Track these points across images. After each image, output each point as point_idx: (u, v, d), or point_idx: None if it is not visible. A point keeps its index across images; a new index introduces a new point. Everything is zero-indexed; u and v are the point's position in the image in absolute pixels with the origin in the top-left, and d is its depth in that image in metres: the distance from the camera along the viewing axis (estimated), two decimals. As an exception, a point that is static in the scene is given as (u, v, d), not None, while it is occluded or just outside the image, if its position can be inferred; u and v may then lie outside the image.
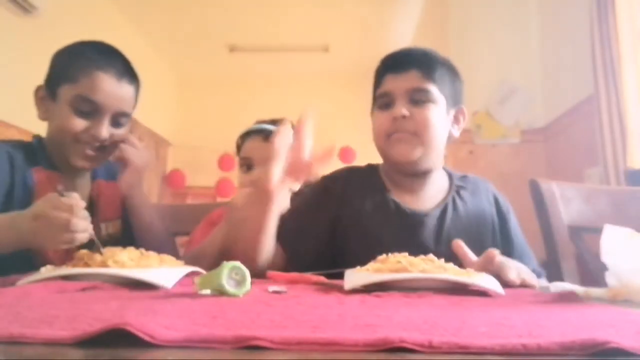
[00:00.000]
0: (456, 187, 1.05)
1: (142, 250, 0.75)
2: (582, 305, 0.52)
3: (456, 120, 1.05)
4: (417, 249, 0.75)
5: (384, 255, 0.73)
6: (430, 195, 1.04)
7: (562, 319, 0.43)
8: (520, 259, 0.92)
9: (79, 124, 1.00)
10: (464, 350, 0.30)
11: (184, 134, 5.76)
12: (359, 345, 0.31)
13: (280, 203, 0.82)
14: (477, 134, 3.02)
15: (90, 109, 1.00)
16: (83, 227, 0.76)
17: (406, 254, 0.71)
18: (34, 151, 1.06)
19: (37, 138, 1.09)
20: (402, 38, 4.87)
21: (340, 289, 0.64)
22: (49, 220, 0.74)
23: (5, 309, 0.43)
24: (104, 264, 0.68)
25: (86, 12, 3.94)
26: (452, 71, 1.04)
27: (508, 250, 0.97)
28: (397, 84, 0.98)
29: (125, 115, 1.07)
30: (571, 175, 2.58)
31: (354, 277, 0.67)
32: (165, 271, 0.68)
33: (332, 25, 4.74)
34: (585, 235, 1.15)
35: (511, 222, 1.05)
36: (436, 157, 1.01)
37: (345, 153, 5.42)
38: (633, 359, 0.30)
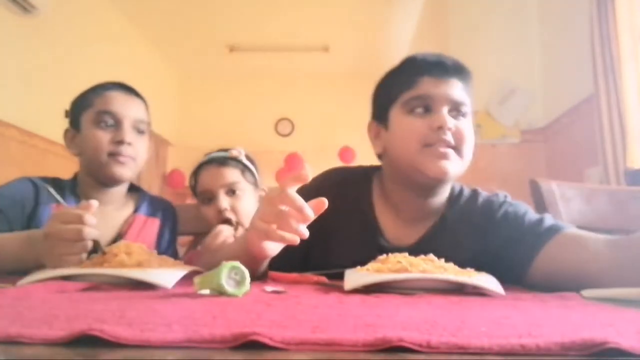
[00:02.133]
0: (442, 217, 0.96)
1: (154, 252, 0.76)
2: (582, 305, 0.52)
3: None
4: None
5: (384, 255, 0.73)
6: (422, 225, 0.95)
7: (561, 319, 0.43)
8: (536, 228, 0.86)
9: (106, 136, 1.09)
10: (463, 350, 0.30)
11: (184, 134, 5.77)
12: (358, 345, 0.31)
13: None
14: (477, 134, 3.01)
15: (111, 120, 1.10)
16: (95, 234, 0.76)
17: (406, 254, 0.71)
18: (62, 186, 1.12)
19: (73, 176, 1.18)
20: (402, 38, 4.88)
21: (340, 289, 0.64)
22: (60, 235, 0.74)
23: (5, 309, 0.43)
24: (106, 261, 0.68)
25: (86, 12, 3.94)
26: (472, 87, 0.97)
27: (522, 238, 0.87)
28: (438, 89, 0.88)
29: (143, 122, 1.14)
30: (571, 175, 2.58)
31: (354, 277, 0.67)
32: (165, 271, 0.68)
33: (332, 25, 4.74)
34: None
35: (509, 219, 0.93)
36: (461, 174, 0.93)
37: (345, 153, 5.42)
38: (632, 359, 0.30)
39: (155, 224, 1.20)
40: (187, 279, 0.67)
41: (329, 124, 5.80)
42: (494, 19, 3.17)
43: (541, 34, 3.11)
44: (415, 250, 0.79)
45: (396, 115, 0.92)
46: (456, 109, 0.89)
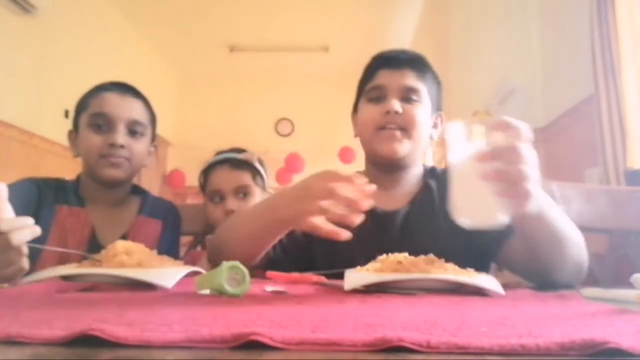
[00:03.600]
0: (425, 183, 1.06)
1: (154, 252, 0.76)
2: (582, 305, 0.52)
3: (434, 125, 1.08)
4: (382, 247, 0.76)
5: (384, 255, 0.73)
6: (403, 193, 1.05)
7: (561, 319, 0.43)
8: None
9: (98, 139, 1.08)
10: (463, 350, 0.30)
11: (184, 134, 5.77)
12: (358, 345, 0.31)
13: None
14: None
15: (103, 122, 1.09)
16: (26, 237, 0.66)
17: (406, 254, 0.71)
18: (65, 189, 1.12)
19: (76, 178, 1.17)
20: (402, 38, 4.88)
21: (340, 289, 0.64)
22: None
23: (5, 309, 0.43)
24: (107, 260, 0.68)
25: (86, 12, 3.95)
26: (437, 77, 1.08)
27: None
28: (391, 79, 1.00)
29: (139, 123, 1.12)
30: (571, 176, 2.58)
31: (354, 277, 0.67)
32: (165, 271, 0.68)
33: (332, 25, 4.75)
34: (585, 235, 1.15)
35: None
36: (418, 154, 1.04)
37: (344, 153, 5.43)
38: (632, 359, 0.30)
39: (157, 225, 1.19)
40: (187, 279, 0.67)
41: (329, 124, 5.80)
42: (493, 19, 3.17)
43: (541, 34, 3.11)
44: (404, 214, 0.99)
45: (361, 103, 1.06)
46: (407, 96, 0.99)
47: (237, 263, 0.57)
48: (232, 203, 1.26)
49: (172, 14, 4.52)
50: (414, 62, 1.02)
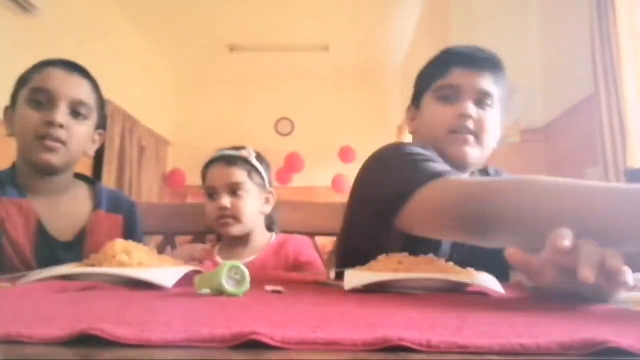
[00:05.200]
0: None
1: (154, 251, 0.76)
2: (582, 305, 0.52)
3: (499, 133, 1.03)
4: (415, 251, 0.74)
5: (383, 255, 0.73)
6: None
7: (561, 319, 0.43)
8: None
9: (35, 115, 0.99)
10: (463, 349, 0.30)
11: (184, 133, 5.77)
12: (358, 345, 0.31)
13: None
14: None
15: (44, 99, 1.00)
16: None
17: (406, 253, 0.71)
18: (1, 181, 1.03)
19: (11, 165, 1.07)
20: (402, 38, 4.88)
21: (340, 289, 0.64)
22: None
23: (6, 308, 0.43)
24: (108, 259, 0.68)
25: (86, 12, 3.95)
26: (508, 83, 1.02)
27: None
28: (467, 80, 0.95)
29: (83, 104, 1.04)
30: (571, 175, 2.56)
31: (354, 277, 0.67)
32: (165, 271, 0.68)
33: (332, 25, 4.74)
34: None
35: None
36: (483, 161, 1.01)
37: (345, 152, 5.42)
38: (632, 358, 0.30)
39: (117, 220, 1.13)
40: (187, 279, 0.67)
41: (329, 123, 5.80)
42: (493, 19, 3.17)
43: (541, 33, 3.11)
44: None
45: (428, 100, 1.00)
46: (481, 99, 0.95)
47: (237, 263, 0.57)
48: (224, 199, 1.27)
49: (172, 13, 4.52)
50: (491, 64, 0.97)
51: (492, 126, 0.95)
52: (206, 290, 0.57)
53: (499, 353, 0.30)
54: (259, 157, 1.36)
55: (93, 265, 0.69)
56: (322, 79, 5.83)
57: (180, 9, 4.42)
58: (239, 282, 0.56)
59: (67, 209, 1.09)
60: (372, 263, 0.72)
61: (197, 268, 0.77)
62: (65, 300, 0.49)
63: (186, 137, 5.70)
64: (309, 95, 5.96)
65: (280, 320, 0.39)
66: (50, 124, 0.98)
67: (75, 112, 1.03)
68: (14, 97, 1.05)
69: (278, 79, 5.86)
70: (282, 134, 6.03)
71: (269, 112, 6.01)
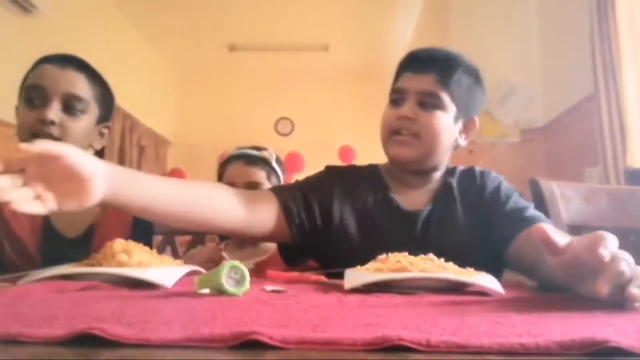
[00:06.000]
0: (445, 181, 1.05)
1: (154, 251, 0.75)
2: (582, 305, 0.52)
3: (465, 129, 1.04)
4: (406, 245, 0.76)
5: (383, 255, 0.73)
6: (426, 192, 1.05)
7: (561, 319, 0.43)
8: (520, 213, 0.94)
9: (31, 114, 0.99)
10: (463, 349, 0.30)
11: (184, 133, 5.76)
12: (358, 344, 0.31)
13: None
14: (476, 133, 3.02)
15: (38, 96, 0.99)
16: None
17: (406, 253, 0.71)
18: None
19: None
20: (402, 38, 4.87)
21: (340, 289, 0.64)
22: None
23: (6, 308, 0.43)
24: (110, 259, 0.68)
25: (86, 12, 3.94)
26: (474, 80, 1.02)
27: (506, 217, 0.96)
28: (411, 83, 0.99)
29: (78, 99, 1.02)
30: (571, 175, 2.58)
31: (354, 276, 0.67)
32: (165, 271, 0.68)
33: (332, 25, 4.74)
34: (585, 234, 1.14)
35: (502, 193, 1.01)
36: (438, 160, 1.02)
37: (345, 152, 5.42)
38: (632, 358, 0.30)
39: (126, 218, 1.11)
40: (187, 279, 0.67)
41: (329, 123, 5.79)
42: (494, 18, 3.17)
43: (541, 33, 3.11)
44: (427, 213, 0.99)
45: (386, 105, 1.05)
46: (425, 101, 0.97)
47: (237, 263, 0.57)
48: None
49: (172, 13, 4.51)
50: (439, 65, 0.99)
51: (435, 127, 0.97)
52: (206, 290, 0.57)
53: (499, 353, 0.30)
54: (277, 160, 1.37)
55: (93, 265, 0.69)
56: (322, 79, 5.83)
57: (181, 9, 4.42)
58: (239, 282, 0.56)
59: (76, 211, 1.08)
60: (372, 262, 0.72)
61: (197, 268, 0.77)
62: (65, 300, 0.49)
63: (186, 137, 5.69)
64: (309, 95, 5.95)
65: (280, 320, 0.39)
66: (43, 122, 0.97)
67: (70, 107, 1.01)
68: (19, 97, 1.05)
69: (278, 79, 5.85)
70: (282, 134, 6.02)
71: (269, 112, 6.00)
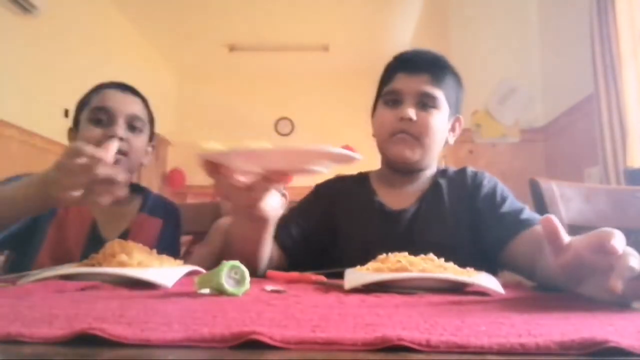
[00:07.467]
0: (435, 181, 1.07)
1: (154, 251, 0.76)
2: (582, 305, 0.52)
3: (452, 128, 1.07)
4: (391, 245, 0.77)
5: (383, 255, 0.73)
6: (414, 192, 1.06)
7: (561, 319, 0.43)
8: (516, 215, 0.94)
9: (98, 131, 1.09)
10: (463, 349, 0.30)
11: (184, 133, 5.77)
12: (358, 345, 0.31)
13: (275, 215, 0.80)
14: (476, 133, 3.03)
15: (104, 116, 1.10)
16: (108, 172, 0.73)
17: (406, 253, 0.71)
18: None
19: None
20: (402, 38, 4.88)
21: (340, 289, 0.64)
22: (69, 167, 0.74)
23: (6, 308, 0.43)
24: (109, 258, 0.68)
25: (86, 12, 3.95)
26: (458, 80, 1.06)
27: (502, 219, 0.96)
28: (408, 84, 1.00)
29: (139, 119, 1.14)
30: (571, 175, 2.58)
31: (354, 276, 0.67)
32: (165, 271, 0.68)
33: (332, 25, 4.75)
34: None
35: (497, 195, 1.01)
36: (431, 159, 1.05)
37: (345, 152, 5.42)
38: (632, 358, 0.30)
39: (157, 223, 1.20)
40: (187, 279, 0.67)
41: (329, 123, 5.80)
42: (494, 19, 3.17)
43: (541, 33, 3.11)
44: (412, 212, 1.01)
45: (379, 106, 1.07)
46: (423, 102, 0.99)
47: (237, 262, 0.57)
48: None
49: (172, 13, 4.52)
50: (432, 66, 1.01)
51: (434, 127, 0.99)
52: (206, 290, 0.57)
53: (499, 353, 0.30)
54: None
55: (93, 265, 0.69)
56: (322, 79, 5.83)
57: (180, 9, 4.42)
58: (239, 282, 0.56)
59: (120, 213, 1.17)
60: (372, 262, 0.72)
61: (197, 268, 0.77)
62: (66, 300, 0.49)
63: (186, 136, 5.70)
64: (309, 95, 5.96)
65: (280, 320, 0.39)
66: (112, 138, 1.06)
67: (132, 126, 1.12)
68: (76, 120, 1.16)
69: (278, 79, 5.85)
70: (282, 134, 6.03)
71: (269, 111, 6.00)
